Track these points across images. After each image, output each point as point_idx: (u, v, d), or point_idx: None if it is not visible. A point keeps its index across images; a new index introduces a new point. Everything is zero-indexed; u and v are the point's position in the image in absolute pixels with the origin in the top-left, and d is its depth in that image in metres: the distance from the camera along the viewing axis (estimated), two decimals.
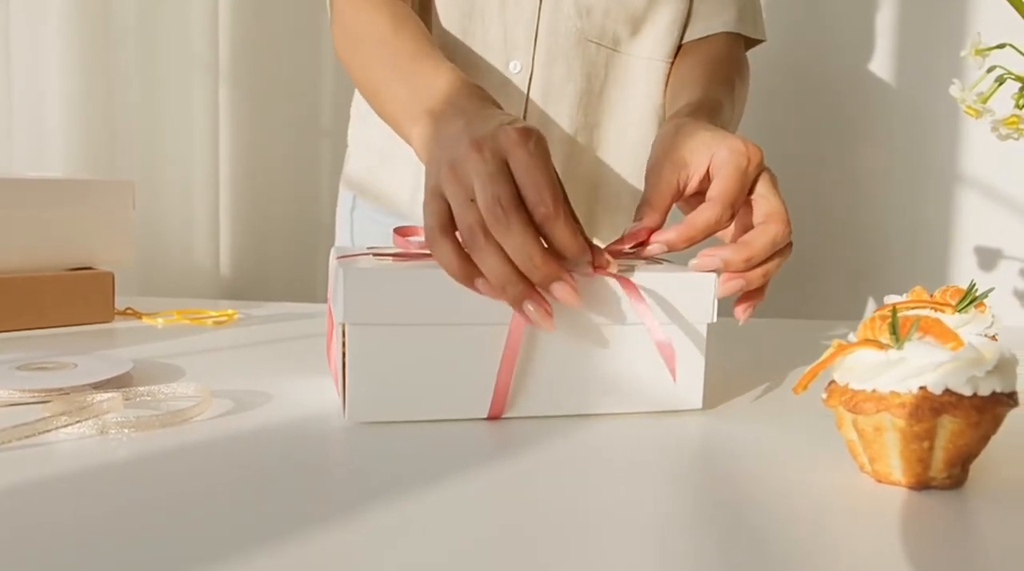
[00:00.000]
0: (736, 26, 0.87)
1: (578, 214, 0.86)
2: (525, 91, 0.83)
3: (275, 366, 0.65)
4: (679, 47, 0.88)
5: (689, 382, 0.55)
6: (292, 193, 1.43)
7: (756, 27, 0.90)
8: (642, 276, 0.53)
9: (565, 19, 0.82)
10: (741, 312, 0.57)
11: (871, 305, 1.25)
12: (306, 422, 0.51)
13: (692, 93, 0.78)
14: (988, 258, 1.15)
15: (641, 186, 0.88)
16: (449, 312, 0.50)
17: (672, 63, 0.87)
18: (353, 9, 0.72)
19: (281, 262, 1.42)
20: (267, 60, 1.37)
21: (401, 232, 0.57)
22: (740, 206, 0.56)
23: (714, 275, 0.54)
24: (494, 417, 0.52)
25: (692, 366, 0.55)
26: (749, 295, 0.57)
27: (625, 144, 0.88)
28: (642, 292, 0.52)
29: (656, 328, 0.51)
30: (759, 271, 0.55)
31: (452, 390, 0.51)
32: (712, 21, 0.87)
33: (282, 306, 0.94)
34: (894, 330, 0.41)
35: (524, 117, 0.84)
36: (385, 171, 0.93)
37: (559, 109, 0.84)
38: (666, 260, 0.63)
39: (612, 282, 0.52)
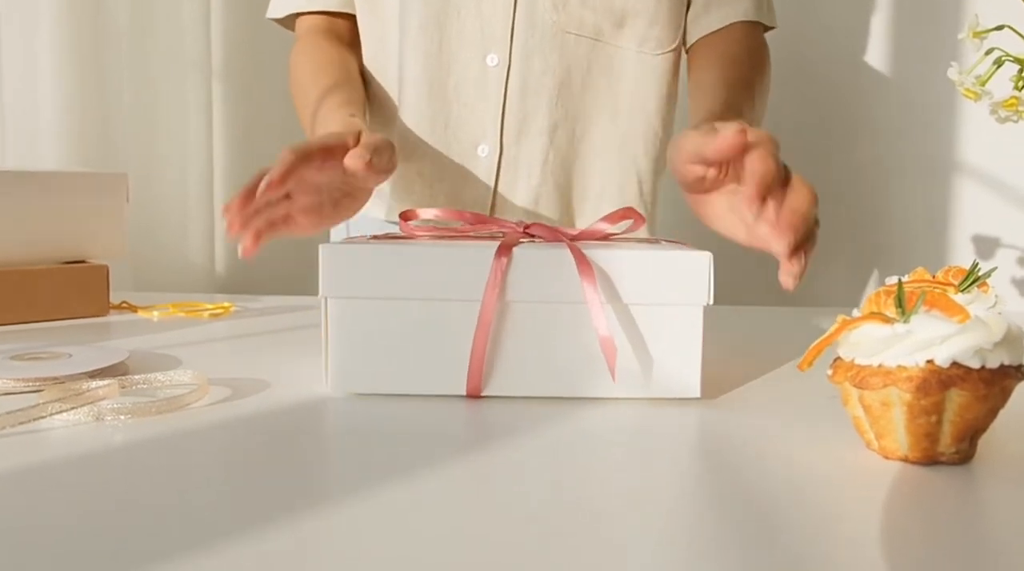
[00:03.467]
0: (754, 14, 0.86)
1: (556, 203, 0.86)
2: (503, 84, 0.83)
3: (272, 355, 0.64)
4: (683, 41, 0.86)
5: (685, 369, 0.52)
6: None
7: (770, 13, 0.89)
8: (632, 254, 0.51)
9: (541, 12, 0.82)
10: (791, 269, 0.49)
11: (870, 292, 1.25)
12: (304, 408, 0.50)
13: (711, 101, 0.77)
14: (987, 246, 1.14)
15: (630, 177, 0.88)
16: (422, 286, 0.51)
17: (668, 55, 0.85)
18: (293, 57, 0.89)
19: (276, 258, 1.40)
20: (260, 58, 1.36)
21: (405, 216, 0.62)
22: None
23: (709, 254, 0.51)
24: (472, 395, 0.52)
25: (687, 352, 0.52)
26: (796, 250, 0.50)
27: (613, 134, 0.86)
28: (596, 277, 0.50)
29: (601, 319, 0.49)
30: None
31: (430, 365, 0.51)
32: (727, 11, 0.85)
33: (278, 299, 0.93)
34: (900, 303, 0.41)
35: (503, 110, 0.84)
36: (396, 173, 0.91)
37: (538, 101, 0.83)
38: (668, 239, 0.62)
39: (593, 260, 0.50)
